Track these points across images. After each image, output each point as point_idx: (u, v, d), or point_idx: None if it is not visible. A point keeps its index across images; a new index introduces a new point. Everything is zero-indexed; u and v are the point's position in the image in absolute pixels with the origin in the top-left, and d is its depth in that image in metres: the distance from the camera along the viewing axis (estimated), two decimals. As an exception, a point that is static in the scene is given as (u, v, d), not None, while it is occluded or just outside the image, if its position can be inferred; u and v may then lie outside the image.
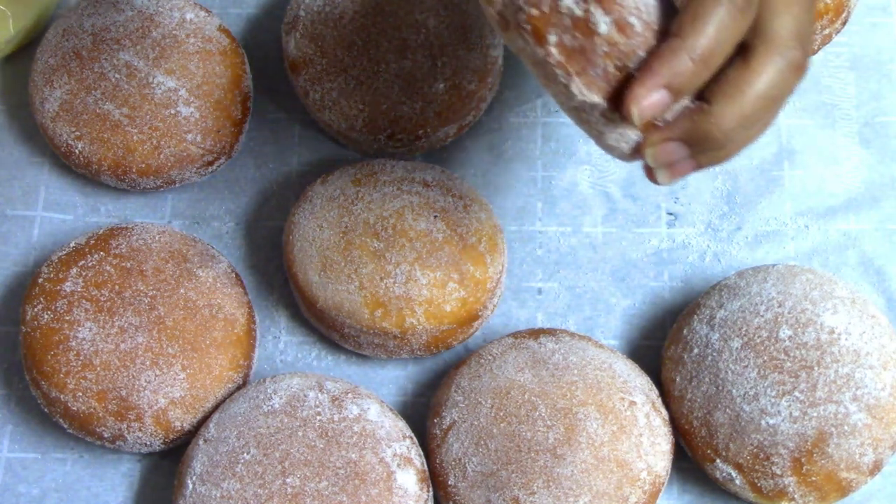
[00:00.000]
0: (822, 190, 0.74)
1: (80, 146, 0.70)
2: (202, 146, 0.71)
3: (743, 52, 0.48)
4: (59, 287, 0.66)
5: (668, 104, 0.47)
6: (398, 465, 0.62)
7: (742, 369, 0.63)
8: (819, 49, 0.75)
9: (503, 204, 0.74)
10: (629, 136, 0.49)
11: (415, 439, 0.65)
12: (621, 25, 0.46)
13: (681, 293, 0.72)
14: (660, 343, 0.70)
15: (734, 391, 0.62)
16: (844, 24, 0.74)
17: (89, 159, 0.71)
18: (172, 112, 0.70)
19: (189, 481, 0.62)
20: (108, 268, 0.66)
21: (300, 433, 0.61)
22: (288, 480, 0.60)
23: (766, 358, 0.62)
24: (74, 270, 0.66)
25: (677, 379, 0.65)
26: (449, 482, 0.63)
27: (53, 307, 0.65)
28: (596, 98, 0.47)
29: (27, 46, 0.78)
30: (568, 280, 0.73)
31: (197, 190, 0.75)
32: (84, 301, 0.65)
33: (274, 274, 0.73)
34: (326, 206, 0.68)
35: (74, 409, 0.64)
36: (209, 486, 0.61)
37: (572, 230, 0.74)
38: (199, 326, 0.65)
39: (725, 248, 0.73)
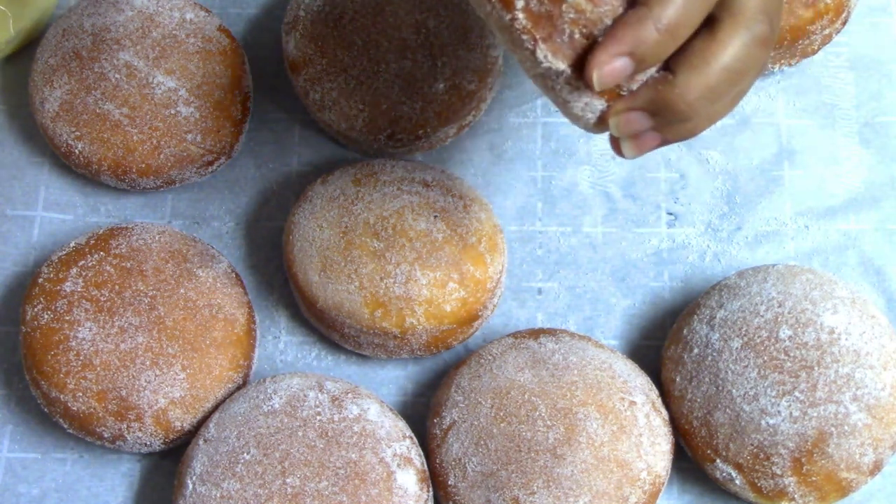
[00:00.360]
0: (822, 190, 0.74)
1: (80, 146, 0.70)
2: (202, 146, 0.71)
3: (709, 23, 0.48)
4: (59, 287, 0.66)
5: (630, 71, 0.47)
6: (398, 465, 0.62)
7: (742, 369, 0.63)
8: (819, 49, 0.75)
9: (503, 204, 0.74)
10: (594, 105, 0.49)
11: (415, 439, 0.65)
12: None
13: (681, 293, 0.72)
14: (660, 343, 0.70)
15: (734, 391, 0.62)
16: (844, 24, 0.74)
17: (89, 159, 0.71)
18: (172, 112, 0.70)
19: (189, 481, 0.62)
20: (108, 268, 0.66)
21: (300, 433, 0.61)
22: (288, 480, 0.60)
23: (766, 358, 0.62)
24: (74, 270, 0.66)
25: (677, 379, 0.65)
26: (449, 482, 0.63)
27: (53, 307, 0.65)
28: (561, 65, 0.47)
29: (27, 46, 0.78)
30: (568, 280, 0.73)
31: (197, 190, 0.75)
32: (84, 301, 0.65)
33: (274, 274, 0.73)
34: (326, 206, 0.68)
35: (74, 409, 0.64)
36: (209, 486, 0.61)
37: (572, 230, 0.74)
38: (199, 326, 0.65)
39: (725, 248, 0.73)
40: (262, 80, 0.77)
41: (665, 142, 0.50)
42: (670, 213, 0.74)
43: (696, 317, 0.66)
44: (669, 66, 0.48)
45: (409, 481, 0.62)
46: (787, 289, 0.64)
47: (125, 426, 0.64)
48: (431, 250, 0.66)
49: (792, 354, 0.62)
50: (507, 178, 0.75)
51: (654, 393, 0.65)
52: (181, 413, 0.64)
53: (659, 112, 0.48)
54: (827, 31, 0.73)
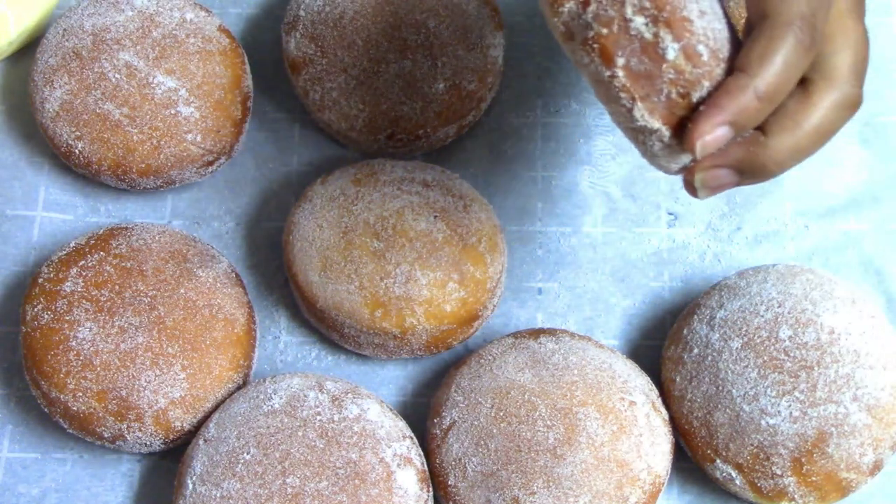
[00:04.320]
0: (822, 190, 0.74)
1: (80, 146, 0.70)
2: (202, 146, 0.71)
3: (803, 86, 0.48)
4: (59, 287, 0.66)
5: (729, 139, 0.47)
6: (398, 465, 0.62)
7: (742, 369, 0.63)
8: (819, 49, 0.75)
9: (503, 204, 0.74)
10: (682, 159, 0.49)
11: (415, 439, 0.65)
12: (689, 53, 0.46)
13: (681, 293, 0.72)
14: (660, 343, 0.70)
15: (734, 391, 0.62)
16: (844, 24, 0.74)
17: (89, 159, 0.71)
18: (172, 112, 0.70)
19: (189, 481, 0.62)
20: (108, 268, 0.66)
21: (300, 433, 0.61)
22: (288, 480, 0.60)
23: (766, 358, 0.62)
24: (74, 270, 0.66)
25: (677, 379, 0.65)
26: (449, 482, 0.63)
27: (53, 307, 0.65)
28: (657, 124, 0.47)
29: (27, 46, 0.78)
30: (568, 280, 0.73)
31: (197, 190, 0.75)
32: (84, 301, 0.65)
33: (274, 274, 0.73)
34: (326, 206, 0.68)
35: (74, 409, 0.64)
36: (209, 486, 0.61)
37: (572, 230, 0.74)
38: (199, 326, 0.65)
39: (725, 248, 0.73)
40: (262, 80, 0.77)
41: (739, 185, 0.50)
42: (670, 213, 0.74)
43: (696, 317, 0.66)
44: (762, 126, 0.48)
45: (409, 481, 0.62)
46: (787, 289, 0.64)
47: (125, 426, 0.64)
48: (431, 250, 0.66)
49: (792, 354, 0.62)
50: (507, 178, 0.75)
51: (654, 393, 0.65)
52: (181, 413, 0.64)
53: (747, 170, 0.49)
54: (827, 31, 0.73)
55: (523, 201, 0.74)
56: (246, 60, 0.75)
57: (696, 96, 0.47)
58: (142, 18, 0.72)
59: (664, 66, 0.46)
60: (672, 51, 0.46)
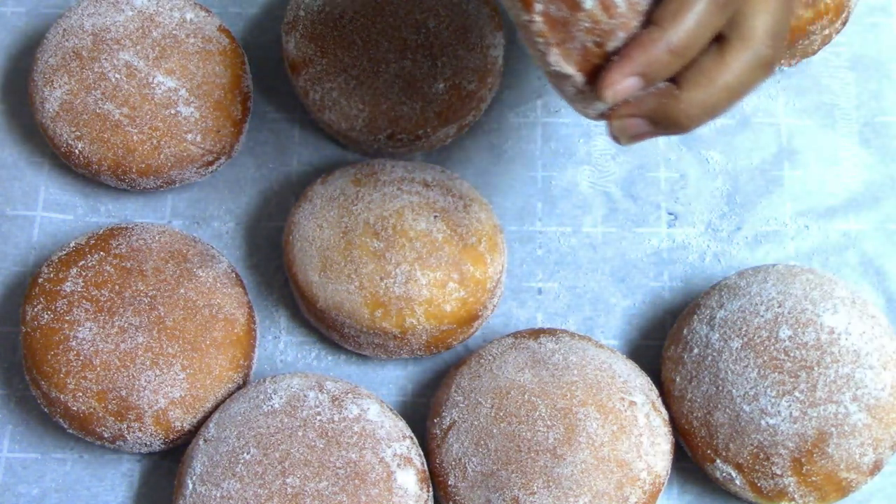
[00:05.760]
0: (822, 190, 0.74)
1: (80, 146, 0.70)
2: (202, 146, 0.71)
3: (718, 43, 0.49)
4: (59, 287, 0.66)
5: (640, 88, 0.49)
6: (398, 465, 0.62)
7: (742, 369, 0.63)
8: (819, 49, 0.75)
9: (503, 204, 0.74)
10: (598, 105, 0.50)
11: (415, 439, 0.65)
12: (606, 4, 0.47)
13: (681, 293, 0.72)
14: (660, 343, 0.70)
15: (734, 391, 0.62)
16: (844, 24, 0.74)
17: (89, 159, 0.71)
18: (172, 112, 0.70)
19: (189, 481, 0.62)
20: (108, 268, 0.66)
21: (300, 433, 0.61)
22: (288, 480, 0.60)
23: (766, 358, 0.62)
24: (74, 270, 0.66)
25: (677, 379, 0.65)
26: (449, 482, 0.63)
27: (53, 307, 0.65)
28: (570, 70, 0.48)
29: (27, 46, 0.78)
30: (568, 280, 0.73)
31: (197, 190, 0.75)
32: (84, 301, 0.65)
33: (274, 274, 0.73)
34: (326, 206, 0.68)
35: (74, 409, 0.64)
36: (209, 486, 0.61)
37: (572, 230, 0.74)
38: (199, 326, 0.65)
39: (725, 248, 0.73)
40: (262, 80, 0.77)
41: (659, 135, 0.52)
42: (670, 213, 0.74)
43: (696, 317, 0.66)
44: (676, 79, 0.49)
45: (409, 481, 0.62)
46: (787, 289, 0.64)
47: (125, 426, 0.64)
48: (431, 250, 0.66)
49: (792, 354, 0.62)
50: (507, 178, 0.75)
51: (654, 393, 0.65)
52: (181, 413, 0.64)
53: (660, 121, 0.50)
54: (827, 31, 0.73)
55: (523, 201, 0.74)
56: (246, 60, 0.75)
57: (610, 46, 0.48)
58: (142, 18, 0.72)
59: (580, 14, 0.47)
60: (589, 0, 0.47)
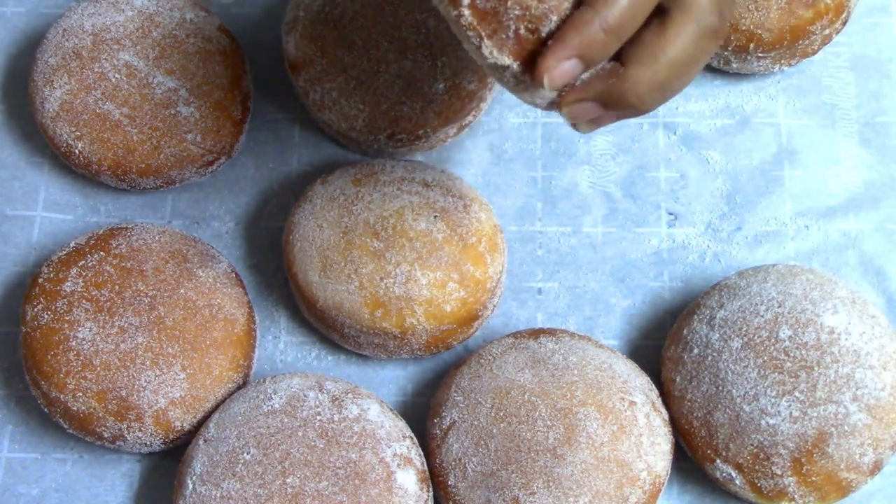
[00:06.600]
0: (822, 190, 0.74)
1: (80, 146, 0.70)
2: (202, 146, 0.71)
3: (659, 15, 0.47)
4: (59, 287, 0.66)
5: (579, 72, 0.47)
6: (398, 465, 0.62)
7: (742, 369, 0.63)
8: (819, 49, 0.75)
9: (503, 204, 0.74)
10: (545, 94, 0.49)
11: (415, 439, 0.65)
12: None
13: (681, 293, 0.72)
14: (660, 343, 0.70)
15: (734, 391, 0.62)
16: (844, 24, 0.74)
17: (89, 159, 0.71)
18: (172, 112, 0.70)
19: (189, 481, 0.62)
20: (108, 268, 0.66)
21: (300, 433, 0.61)
22: (288, 480, 0.60)
23: (766, 358, 0.62)
24: (74, 270, 0.66)
25: (677, 379, 0.65)
26: (449, 482, 0.63)
27: (53, 307, 0.65)
28: (507, 60, 0.48)
29: (27, 46, 0.78)
30: (568, 280, 0.73)
31: (197, 190, 0.75)
32: (84, 301, 0.65)
33: (274, 274, 0.73)
34: (326, 206, 0.68)
35: (74, 409, 0.64)
36: (209, 486, 0.61)
37: (572, 230, 0.74)
38: (199, 326, 0.65)
39: (725, 248, 0.73)
40: (262, 80, 0.77)
41: (618, 119, 0.51)
42: (670, 213, 0.74)
43: (696, 317, 0.66)
44: (620, 57, 0.48)
45: (409, 481, 0.62)
46: (787, 289, 0.64)
47: (125, 426, 0.64)
48: (431, 250, 0.66)
49: (792, 354, 0.62)
50: (507, 178, 0.75)
51: (654, 393, 0.65)
52: (181, 413, 0.64)
53: (610, 103, 0.49)
54: (827, 31, 0.73)
55: (523, 201, 0.74)
56: (246, 60, 0.75)
57: (545, 31, 0.47)
58: (142, 18, 0.72)
59: (509, 2, 0.47)
60: None
